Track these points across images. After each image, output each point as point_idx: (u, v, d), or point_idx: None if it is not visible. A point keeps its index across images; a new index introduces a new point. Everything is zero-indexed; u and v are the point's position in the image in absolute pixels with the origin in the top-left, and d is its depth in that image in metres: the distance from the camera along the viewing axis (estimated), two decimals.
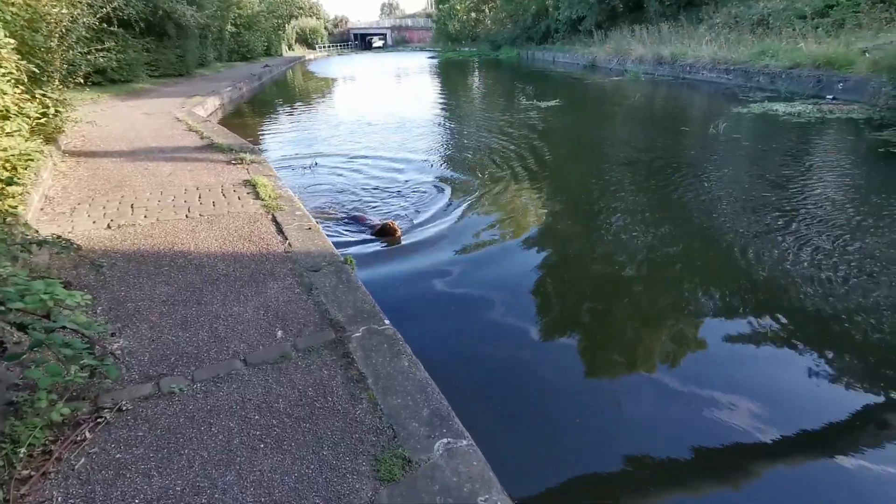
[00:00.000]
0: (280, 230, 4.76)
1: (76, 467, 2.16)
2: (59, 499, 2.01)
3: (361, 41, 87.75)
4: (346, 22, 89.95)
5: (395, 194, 6.86)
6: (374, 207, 6.38)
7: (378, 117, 13.56)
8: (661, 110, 13.28)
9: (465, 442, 2.29)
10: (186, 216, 5.09)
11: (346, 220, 5.96)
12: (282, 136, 11.68)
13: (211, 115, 13.56)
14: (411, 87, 23.36)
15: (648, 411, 3.06)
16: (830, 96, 11.95)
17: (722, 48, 17.77)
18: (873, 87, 10.59)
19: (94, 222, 4.87)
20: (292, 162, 8.84)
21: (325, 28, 76.15)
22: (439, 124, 12.67)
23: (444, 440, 2.30)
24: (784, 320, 3.80)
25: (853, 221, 5.32)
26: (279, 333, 3.13)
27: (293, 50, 54.92)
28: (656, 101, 14.96)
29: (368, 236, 5.43)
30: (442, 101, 18.10)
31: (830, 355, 3.46)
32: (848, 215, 5.47)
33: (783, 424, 2.85)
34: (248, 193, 5.82)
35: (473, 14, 50.68)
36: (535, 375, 3.41)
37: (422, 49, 62.39)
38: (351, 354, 2.92)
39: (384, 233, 5.36)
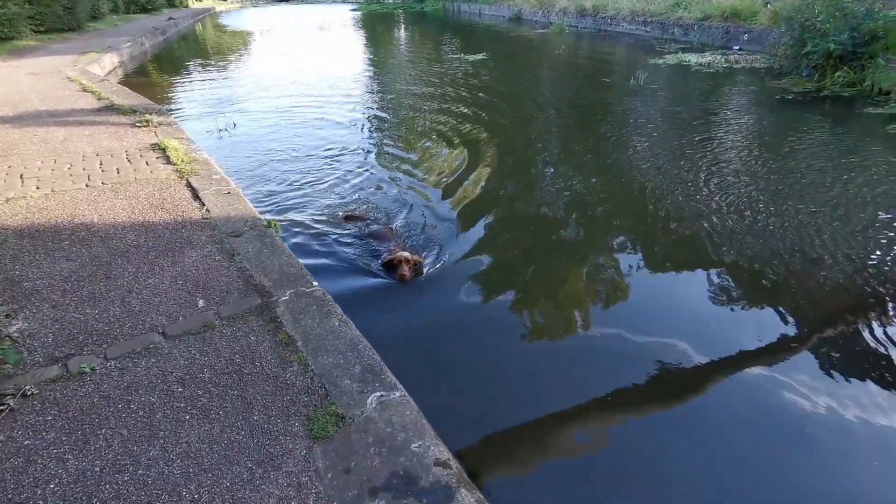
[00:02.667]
0: (196, 196, 4.48)
1: None
2: None
3: None
4: None
5: (324, 160, 6.53)
6: (303, 174, 6.04)
7: (301, 74, 12.86)
8: (585, 63, 13.51)
9: (397, 394, 2.33)
10: (86, 185, 4.66)
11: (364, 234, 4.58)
12: (194, 96, 10.82)
13: (109, 73, 12.29)
14: (335, 42, 22.22)
15: (580, 357, 3.22)
16: (737, 47, 12.63)
17: (640, 1, 18.16)
18: (773, 38, 11.30)
19: None
20: (207, 125, 8.24)
21: None
22: (367, 81, 12.21)
23: (377, 394, 2.32)
24: (700, 250, 4.22)
25: (753, 160, 5.83)
26: (200, 303, 2.99)
27: (202, 1, 50.31)
28: (580, 53, 15.18)
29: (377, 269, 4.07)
30: (368, 56, 17.42)
31: (736, 279, 3.86)
32: (749, 155, 6.00)
33: (703, 351, 3.13)
34: (157, 158, 5.40)
35: None
36: (474, 330, 3.46)
37: (343, 1, 59.05)
38: (279, 318, 2.85)
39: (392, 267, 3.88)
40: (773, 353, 3.12)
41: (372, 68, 14.60)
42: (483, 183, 5.67)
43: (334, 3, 58.95)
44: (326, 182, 5.74)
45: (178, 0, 38.61)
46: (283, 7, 58.69)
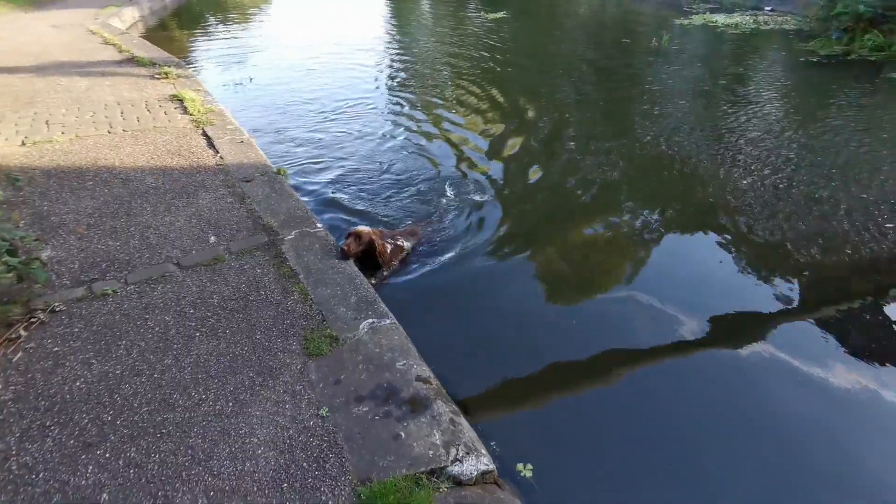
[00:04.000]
0: (211, 144, 4.66)
1: (13, 360, 2.26)
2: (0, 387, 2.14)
3: None
4: None
5: (338, 114, 6.57)
6: (316, 126, 6.15)
7: (320, 32, 12.80)
8: (607, 22, 13.15)
9: (388, 321, 2.53)
10: (108, 132, 4.87)
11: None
12: (213, 51, 10.89)
13: (130, 27, 12.38)
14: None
15: (590, 315, 3.24)
16: (769, 7, 12.14)
17: None
18: None
19: (6, 139, 4.60)
20: (224, 78, 8.36)
21: None
22: (389, 39, 12.08)
23: (370, 320, 2.52)
24: (724, 219, 4.17)
25: (777, 124, 5.78)
26: (212, 239, 3.20)
27: None
28: (605, 12, 14.72)
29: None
30: (391, 14, 17.12)
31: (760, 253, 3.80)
32: (774, 119, 5.94)
33: (717, 323, 3.12)
34: (175, 108, 5.57)
35: None
36: (484, 283, 3.47)
37: None
38: (284, 254, 3.05)
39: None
40: (791, 330, 3.11)
41: (394, 26, 14.41)
42: (499, 144, 5.66)
43: None
44: (337, 134, 5.87)
45: None
46: None
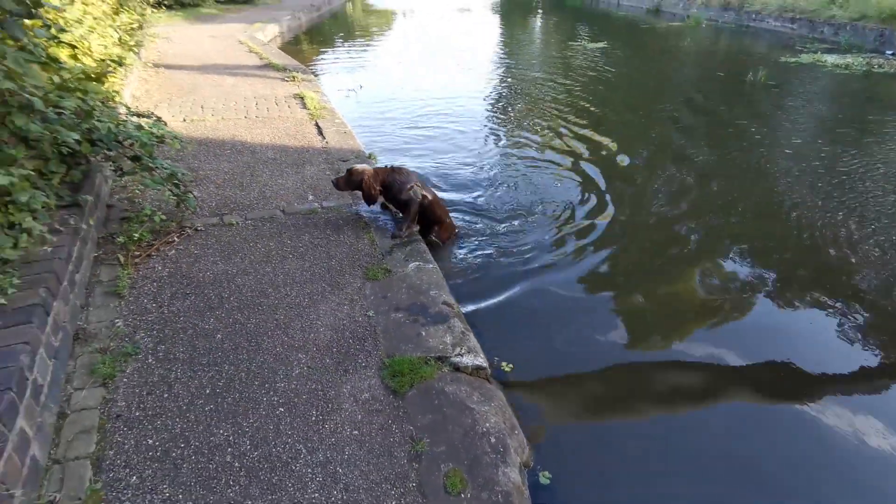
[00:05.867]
0: (320, 132, 5.66)
1: (169, 255, 3.21)
2: (158, 267, 3.08)
3: None
4: None
5: (433, 123, 7.23)
6: (410, 128, 7.02)
7: (431, 50, 14.03)
8: (705, 55, 13.05)
9: (431, 265, 3.20)
10: (245, 117, 6.08)
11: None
12: (333, 62, 12.45)
13: (270, 40, 14.42)
14: (470, 24, 23.16)
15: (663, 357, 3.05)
16: (890, 52, 11.46)
17: None
18: None
19: (172, 116, 5.93)
20: (339, 84, 9.63)
21: None
22: (494, 61, 12.82)
23: (417, 262, 3.20)
24: (832, 280, 3.74)
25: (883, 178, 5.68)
26: (310, 197, 4.08)
27: None
28: (705, 46, 14.58)
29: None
30: (499, 39, 18.16)
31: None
32: (881, 170, 5.83)
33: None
34: (296, 104, 6.74)
35: None
36: (558, 297, 3.51)
37: None
38: (361, 214, 3.84)
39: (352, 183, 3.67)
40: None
41: (500, 50, 15.33)
42: (590, 172, 5.54)
43: None
44: (429, 136, 6.69)
45: None
46: None
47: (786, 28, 15.98)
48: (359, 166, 3.67)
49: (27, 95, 2.39)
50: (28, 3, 2.32)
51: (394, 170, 3.70)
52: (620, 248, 4.10)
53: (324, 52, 13.96)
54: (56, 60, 3.01)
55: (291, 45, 14.70)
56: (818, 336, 3.26)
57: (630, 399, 2.75)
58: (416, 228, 3.72)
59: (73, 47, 3.75)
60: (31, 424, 1.83)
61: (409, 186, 3.61)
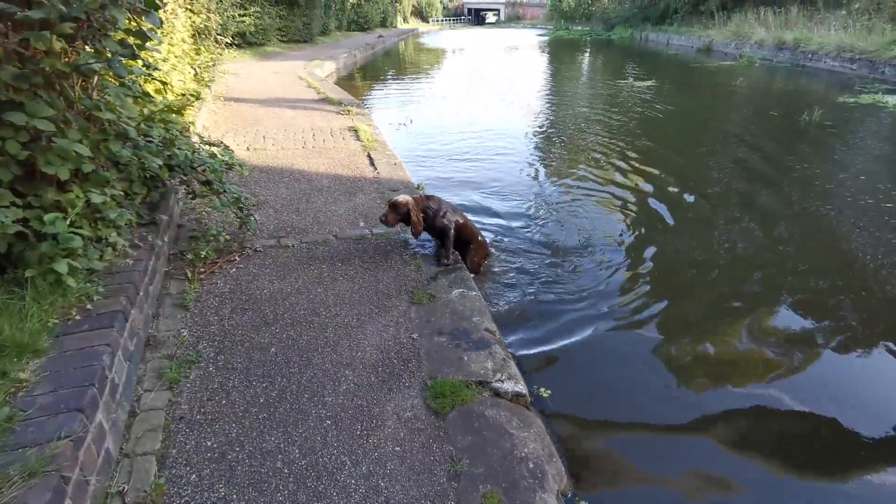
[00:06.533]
0: (372, 163, 5.94)
1: (231, 272, 3.45)
2: (220, 283, 3.31)
3: (475, 16, 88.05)
4: None
5: (479, 158, 7.36)
6: (457, 162, 7.23)
7: (479, 88, 14.48)
8: (759, 95, 12.83)
9: (474, 293, 3.29)
10: (303, 147, 6.46)
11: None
12: (386, 97, 13.04)
13: (327, 76, 15.26)
14: (518, 63, 23.74)
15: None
16: None
17: (852, 36, 16.40)
18: None
19: (237, 145, 6.37)
20: (391, 118, 10.06)
21: (441, 1, 77.52)
22: (541, 99, 13.06)
23: (461, 290, 3.31)
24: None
25: None
26: (361, 224, 4.28)
27: (407, 22, 56.92)
28: (759, 85, 14.35)
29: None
30: (546, 77, 18.51)
31: None
32: None
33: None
34: (350, 136, 7.10)
35: None
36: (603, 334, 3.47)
37: (533, 26, 61.74)
38: (408, 241, 4.00)
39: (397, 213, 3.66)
40: None
41: (547, 87, 15.64)
42: (635, 210, 5.54)
43: (525, 28, 61.61)
44: (474, 170, 6.88)
45: (389, 20, 44.37)
46: (478, 30, 63.19)
47: (844, 68, 15.59)
48: (401, 198, 3.64)
49: (124, 125, 2.70)
50: (133, 46, 2.64)
51: (428, 198, 3.84)
52: (669, 289, 4.06)
53: (377, 88, 14.63)
54: (147, 95, 3.37)
55: (347, 81, 15.49)
56: (880, 396, 3.08)
57: (672, 440, 2.71)
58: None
59: (164, 83, 4.16)
60: (107, 419, 2.01)
61: (442, 213, 3.75)
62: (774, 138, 8.55)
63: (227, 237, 3.66)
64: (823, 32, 18.23)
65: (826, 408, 2.89)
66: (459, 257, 3.86)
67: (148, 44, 2.86)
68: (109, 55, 2.54)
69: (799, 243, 4.89)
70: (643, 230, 5.03)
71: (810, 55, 17.57)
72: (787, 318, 3.74)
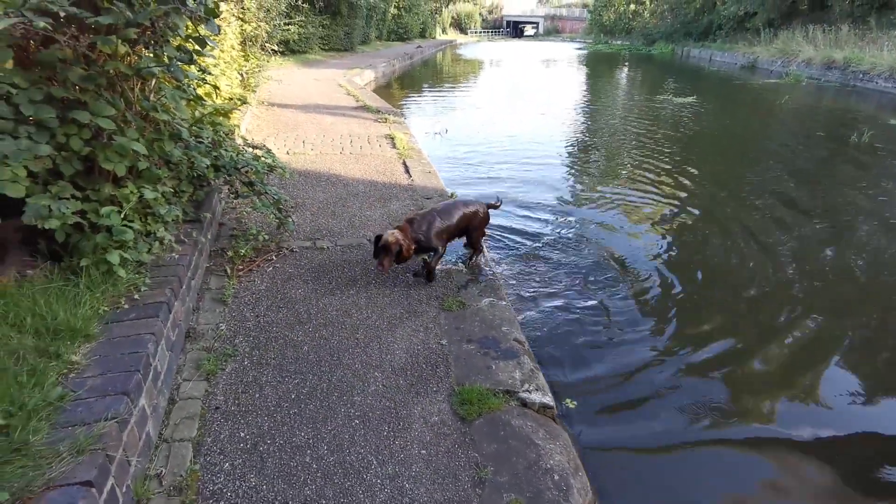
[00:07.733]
0: (407, 170, 6.03)
1: (267, 271, 3.56)
2: (257, 281, 3.41)
3: (513, 28, 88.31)
4: (500, 8, 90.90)
5: (513, 169, 7.37)
6: (491, 172, 7.28)
7: (515, 99, 14.51)
8: (805, 114, 12.44)
9: (504, 302, 3.30)
10: (340, 153, 6.61)
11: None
12: (422, 106, 13.21)
13: (366, 84, 15.57)
14: (555, 76, 23.69)
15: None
16: None
17: None
18: None
19: (277, 149, 6.56)
20: (427, 127, 10.17)
21: (480, 14, 78.15)
22: (577, 113, 12.99)
23: (491, 298, 3.32)
24: None
25: None
26: None
27: (446, 33, 57.54)
28: (805, 105, 13.91)
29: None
30: (583, 91, 18.42)
31: None
32: None
33: None
34: (387, 143, 7.23)
35: (633, 6, 48.74)
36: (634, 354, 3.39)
37: (571, 39, 61.48)
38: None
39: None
40: None
41: (583, 100, 15.55)
42: (673, 232, 5.38)
43: (563, 41, 61.46)
44: (506, 181, 6.87)
45: (428, 31, 44.98)
46: (516, 42, 63.38)
47: None
48: (389, 236, 3.24)
49: (178, 126, 2.84)
50: (192, 52, 2.79)
51: (411, 221, 3.45)
52: (698, 309, 3.99)
53: (414, 97, 14.84)
54: (199, 98, 3.54)
55: (385, 89, 15.76)
56: None
57: (701, 460, 2.65)
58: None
59: (216, 87, 4.34)
60: (149, 404, 2.11)
61: (432, 234, 3.44)
62: (820, 159, 8.28)
63: (266, 237, 3.78)
64: (876, 52, 17.57)
65: (855, 435, 2.79)
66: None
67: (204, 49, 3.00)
68: (167, 59, 2.68)
69: (843, 271, 4.70)
70: (675, 251, 4.94)
71: (861, 75, 16.96)
72: (822, 346, 3.60)
